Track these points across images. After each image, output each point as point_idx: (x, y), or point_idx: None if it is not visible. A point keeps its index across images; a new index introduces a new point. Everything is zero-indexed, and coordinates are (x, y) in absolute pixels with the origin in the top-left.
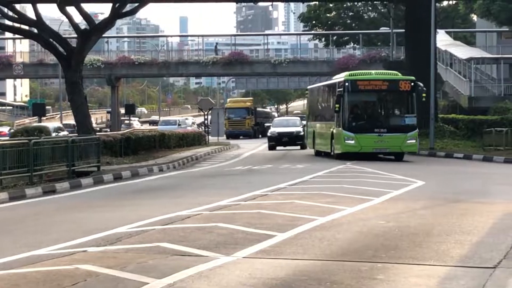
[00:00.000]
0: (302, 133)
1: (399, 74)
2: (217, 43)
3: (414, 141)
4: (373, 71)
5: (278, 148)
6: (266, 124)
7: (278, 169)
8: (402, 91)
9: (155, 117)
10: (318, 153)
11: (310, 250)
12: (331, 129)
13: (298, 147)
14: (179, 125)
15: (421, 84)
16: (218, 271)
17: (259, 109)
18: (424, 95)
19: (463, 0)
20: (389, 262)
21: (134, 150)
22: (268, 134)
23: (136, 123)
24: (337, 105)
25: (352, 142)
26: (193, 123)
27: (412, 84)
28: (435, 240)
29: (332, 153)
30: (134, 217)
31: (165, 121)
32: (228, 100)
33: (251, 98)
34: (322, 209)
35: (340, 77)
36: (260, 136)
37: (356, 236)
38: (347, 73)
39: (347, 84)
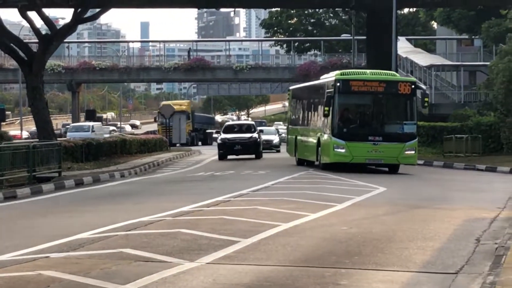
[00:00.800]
0: (258, 140)
1: (398, 75)
2: (190, 48)
3: (413, 152)
4: (367, 71)
5: (230, 157)
6: (209, 131)
7: (241, 175)
8: (401, 94)
9: (134, 121)
10: (301, 162)
11: (274, 256)
12: (318, 136)
13: (253, 155)
14: (92, 131)
15: (423, 87)
16: (182, 277)
17: (199, 114)
18: (426, 99)
19: (423, 8)
20: (352, 268)
21: (95, 155)
22: (218, 141)
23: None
24: (326, 108)
25: (343, 150)
26: (118, 128)
27: (413, 86)
28: (397, 246)
29: (317, 163)
30: (97, 223)
31: (76, 127)
32: (162, 103)
33: (188, 100)
34: (285, 215)
35: (329, 77)
36: (199, 143)
37: (319, 242)
38: (337, 72)
39: (338, 84)
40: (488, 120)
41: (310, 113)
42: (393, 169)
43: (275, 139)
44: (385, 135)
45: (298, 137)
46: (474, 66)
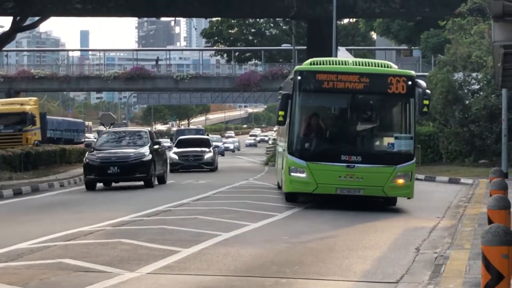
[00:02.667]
0: (149, 158)
1: (392, 66)
2: (158, 57)
3: (409, 179)
4: (350, 59)
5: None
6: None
7: (181, 185)
8: (392, 93)
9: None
10: (279, 186)
11: (215, 266)
12: (283, 152)
13: (141, 182)
14: None
15: (424, 84)
16: (122, 287)
17: (55, 117)
18: (426, 102)
19: (363, 19)
20: (293, 278)
21: (34, 165)
22: (85, 160)
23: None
24: (280, 113)
25: (303, 176)
26: None
27: (410, 83)
28: (338, 256)
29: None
30: (35, 233)
31: None
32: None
33: (35, 98)
34: (225, 224)
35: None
36: None
37: (260, 252)
38: (308, 61)
39: (299, 78)
40: (427, 130)
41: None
42: (388, 202)
43: (207, 154)
44: (366, 154)
45: (278, 152)
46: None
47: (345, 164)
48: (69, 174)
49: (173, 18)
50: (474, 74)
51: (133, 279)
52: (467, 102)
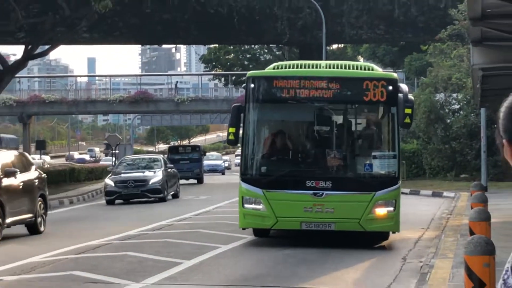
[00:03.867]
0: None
1: (375, 69)
2: (177, 81)
3: (392, 209)
4: (323, 62)
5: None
6: None
7: (182, 200)
8: (369, 102)
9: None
10: None
11: (215, 277)
12: None
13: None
14: None
15: (405, 89)
16: None
17: None
18: (409, 111)
19: (351, 44)
20: (289, 287)
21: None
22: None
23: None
24: (230, 130)
25: (259, 207)
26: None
27: (391, 88)
28: (330, 267)
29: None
30: (47, 248)
31: None
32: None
33: None
34: (225, 237)
35: None
36: None
37: (257, 263)
38: (271, 65)
39: (252, 85)
40: (411, 147)
41: None
42: (377, 236)
43: (153, 178)
44: (337, 179)
45: None
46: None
47: (311, 192)
48: (78, 191)
49: (174, 46)
50: (454, 95)
51: None
52: (448, 121)
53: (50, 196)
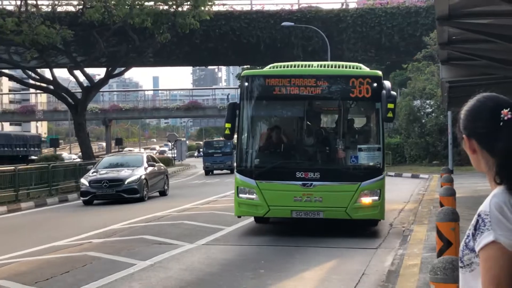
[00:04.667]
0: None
1: (363, 68)
2: (228, 94)
3: (377, 198)
4: (315, 63)
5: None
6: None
7: (224, 182)
8: (355, 98)
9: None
10: None
11: (251, 238)
12: None
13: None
14: None
15: (388, 85)
16: (185, 254)
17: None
18: (391, 106)
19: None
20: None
21: None
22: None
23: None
24: (227, 125)
25: (252, 197)
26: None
27: (376, 85)
28: (334, 232)
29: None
30: (125, 217)
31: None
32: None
33: None
34: None
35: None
36: None
37: (281, 229)
38: (269, 65)
39: (246, 84)
40: (395, 141)
41: None
42: (368, 224)
43: (130, 177)
44: (325, 170)
45: None
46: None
47: (300, 183)
48: None
49: (216, 67)
50: (428, 101)
51: (192, 249)
52: (423, 121)
53: None
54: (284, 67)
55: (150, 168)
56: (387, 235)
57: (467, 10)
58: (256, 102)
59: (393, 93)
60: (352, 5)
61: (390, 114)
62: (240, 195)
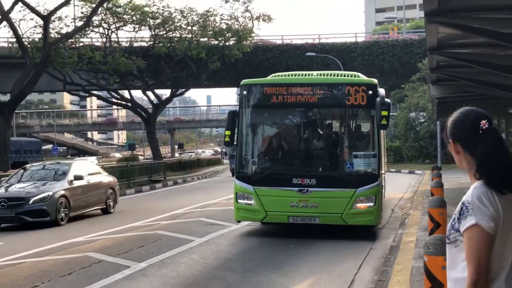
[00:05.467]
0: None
1: (360, 76)
2: None
3: (373, 204)
4: (315, 72)
5: None
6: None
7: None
8: (350, 105)
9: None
10: None
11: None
12: None
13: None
14: None
15: (382, 92)
16: (232, 232)
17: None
18: (385, 113)
19: None
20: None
21: (183, 168)
22: None
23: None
24: (226, 133)
25: (251, 202)
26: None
27: (371, 92)
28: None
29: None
30: (186, 204)
31: None
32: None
33: None
34: None
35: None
36: None
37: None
38: (272, 75)
39: (245, 92)
40: (396, 145)
41: None
42: (366, 227)
43: (37, 195)
44: (321, 177)
45: None
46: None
47: (297, 189)
48: (202, 172)
49: None
50: (421, 113)
51: (238, 228)
52: (417, 128)
53: (186, 175)
54: (285, 76)
55: (80, 182)
56: (389, 218)
57: (452, 42)
58: (254, 110)
59: (387, 100)
60: (361, 39)
61: (384, 121)
62: (239, 200)
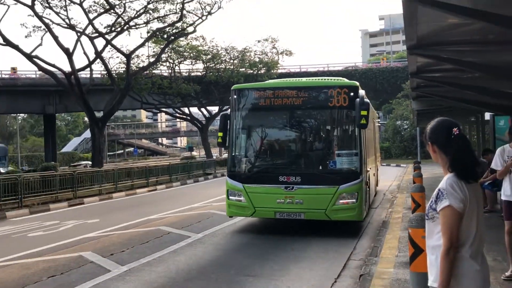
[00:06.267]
0: None
1: (344, 79)
2: None
3: (355, 200)
4: (304, 79)
5: None
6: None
7: None
8: (333, 107)
9: None
10: None
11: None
12: None
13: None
14: None
15: (362, 93)
16: (237, 224)
17: None
18: (364, 113)
19: None
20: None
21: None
22: None
23: None
24: (219, 134)
25: (240, 199)
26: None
27: (353, 94)
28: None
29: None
30: (200, 199)
31: None
32: None
33: None
34: None
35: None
36: None
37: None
38: (267, 81)
39: (235, 96)
40: (386, 145)
41: None
42: (350, 222)
43: None
44: (305, 175)
45: None
46: (380, 124)
47: (283, 186)
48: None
49: None
50: (405, 122)
51: (242, 220)
52: (402, 133)
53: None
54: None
55: None
56: (381, 200)
57: (427, 68)
58: (243, 113)
59: (367, 100)
60: (360, 64)
61: (363, 121)
62: (230, 197)
